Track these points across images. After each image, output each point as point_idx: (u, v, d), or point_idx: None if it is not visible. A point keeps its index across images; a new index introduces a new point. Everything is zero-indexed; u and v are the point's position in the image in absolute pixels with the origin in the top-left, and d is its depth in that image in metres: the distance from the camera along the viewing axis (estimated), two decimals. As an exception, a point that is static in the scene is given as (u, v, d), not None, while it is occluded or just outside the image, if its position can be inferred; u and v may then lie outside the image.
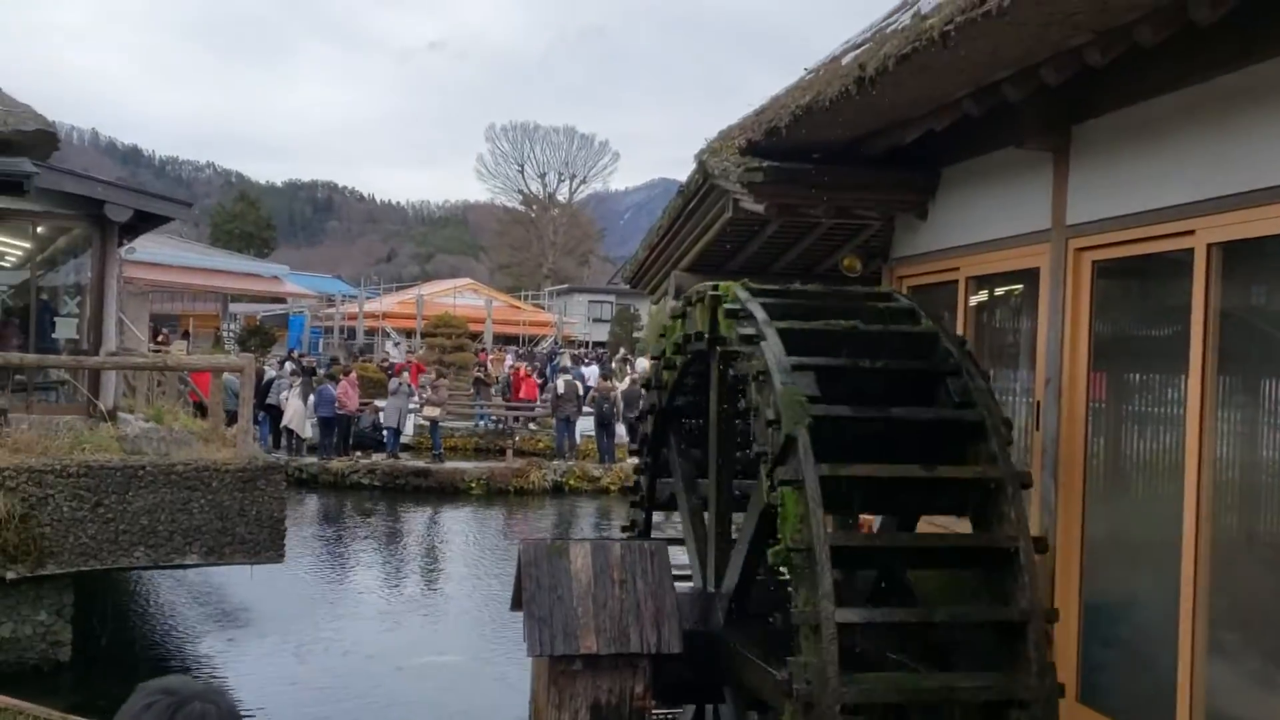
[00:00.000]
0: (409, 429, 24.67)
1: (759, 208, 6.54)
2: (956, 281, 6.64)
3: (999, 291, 6.63)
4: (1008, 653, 4.76)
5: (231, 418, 14.09)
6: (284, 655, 11.44)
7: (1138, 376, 5.45)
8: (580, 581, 5.89)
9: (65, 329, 16.93)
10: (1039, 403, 5.73)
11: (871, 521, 6.52)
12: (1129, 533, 5.33)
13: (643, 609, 5.79)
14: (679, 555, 6.70)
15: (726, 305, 5.59)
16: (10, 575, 9.44)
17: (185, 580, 13.89)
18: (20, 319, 19.38)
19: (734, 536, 6.14)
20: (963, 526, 5.37)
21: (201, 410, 15.50)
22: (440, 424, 24.05)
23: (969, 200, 6.43)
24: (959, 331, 6.35)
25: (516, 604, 6.44)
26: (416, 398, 25.01)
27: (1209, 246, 4.57)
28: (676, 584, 6.09)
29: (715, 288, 5.82)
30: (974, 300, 6.64)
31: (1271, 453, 4.47)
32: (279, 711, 9.72)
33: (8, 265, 20.62)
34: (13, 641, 9.70)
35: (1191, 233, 4.65)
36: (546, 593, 5.84)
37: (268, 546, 10.35)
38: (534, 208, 70.49)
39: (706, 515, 6.51)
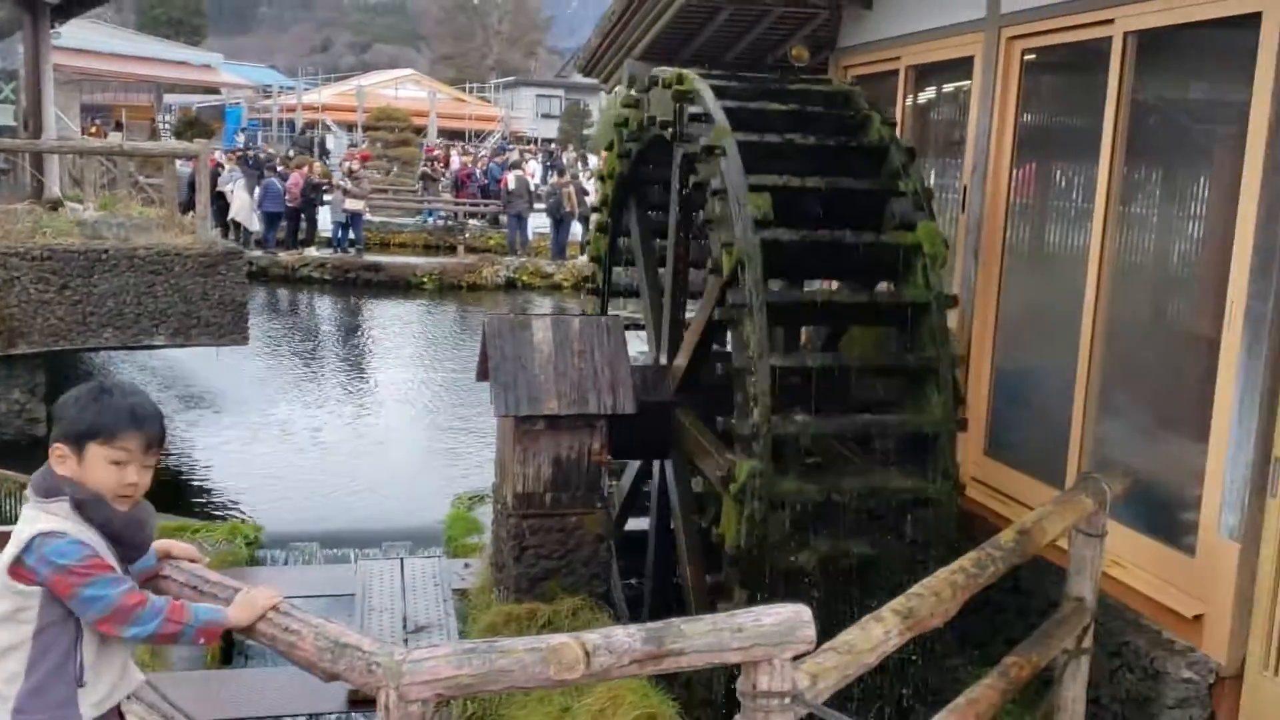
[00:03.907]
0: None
1: (712, -8, 6.70)
2: (898, 71, 6.93)
3: (937, 82, 6.94)
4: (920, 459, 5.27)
5: (184, 207, 14.16)
6: (238, 432, 11.91)
7: (1058, 167, 5.87)
8: (542, 352, 6.37)
9: (3, 116, 16.55)
10: (965, 188, 6.17)
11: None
12: (1038, 307, 5.89)
13: (600, 376, 6.31)
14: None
15: (678, 89, 5.85)
16: (-18, 355, 9.77)
17: (148, 366, 14.28)
18: (-49, 106, 18.84)
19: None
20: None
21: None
22: (363, 217, 23.78)
23: (912, -11, 6.64)
24: (898, 121, 6.70)
25: (481, 375, 6.93)
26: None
27: (1125, 35, 4.91)
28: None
29: (680, 78, 6.00)
30: (914, 90, 6.96)
31: (1168, 240, 4.94)
32: (252, 491, 10.18)
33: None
34: (-11, 418, 10.13)
35: (1111, 21, 4.99)
36: (511, 362, 6.31)
37: (232, 329, 10.72)
38: (479, -7, 67.63)
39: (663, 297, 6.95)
